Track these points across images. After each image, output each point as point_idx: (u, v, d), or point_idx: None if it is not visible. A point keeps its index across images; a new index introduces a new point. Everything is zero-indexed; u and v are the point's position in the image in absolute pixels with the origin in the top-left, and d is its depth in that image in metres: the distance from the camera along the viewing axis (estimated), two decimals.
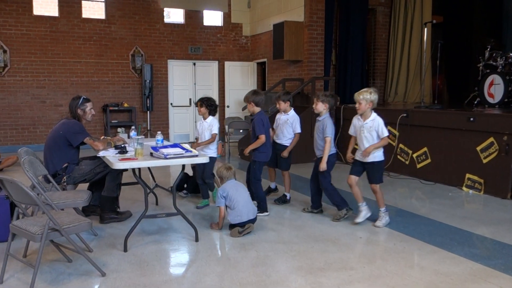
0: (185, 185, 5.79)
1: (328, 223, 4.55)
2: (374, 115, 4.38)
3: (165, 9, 11.15)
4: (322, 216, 4.81)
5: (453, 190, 5.98)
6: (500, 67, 7.35)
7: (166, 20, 11.27)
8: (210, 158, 4.72)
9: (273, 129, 5.41)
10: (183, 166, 4.14)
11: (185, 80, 11.58)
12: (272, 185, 5.68)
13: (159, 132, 4.75)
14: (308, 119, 7.43)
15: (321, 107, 4.72)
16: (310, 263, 3.52)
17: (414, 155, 6.80)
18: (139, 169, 4.93)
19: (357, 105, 4.39)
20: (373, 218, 4.54)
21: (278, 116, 5.42)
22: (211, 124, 5.23)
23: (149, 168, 5.45)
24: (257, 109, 4.89)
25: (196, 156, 4.01)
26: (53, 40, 10.09)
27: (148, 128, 10.92)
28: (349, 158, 4.62)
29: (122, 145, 4.39)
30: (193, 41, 11.41)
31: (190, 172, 5.66)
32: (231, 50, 11.86)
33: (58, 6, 10.09)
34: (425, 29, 7.94)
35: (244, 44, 11.99)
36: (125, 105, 10.68)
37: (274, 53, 9.92)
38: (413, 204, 5.43)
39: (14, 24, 9.72)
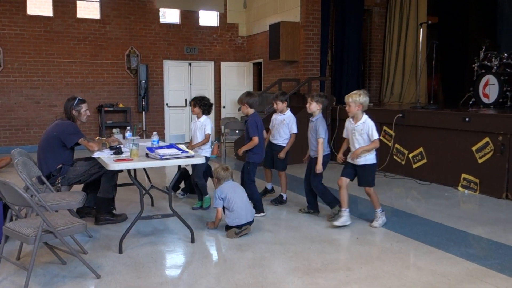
0: (183, 182, 5.75)
1: (324, 224, 4.54)
2: (365, 117, 4.36)
3: (160, 9, 11.11)
4: (318, 216, 4.79)
5: (449, 190, 5.99)
6: (495, 67, 7.38)
7: (162, 20, 11.23)
8: None
9: (268, 130, 5.40)
10: (179, 167, 4.12)
11: (181, 81, 11.55)
12: (269, 186, 5.66)
13: (154, 133, 4.72)
14: (304, 120, 7.37)
15: (314, 107, 4.72)
16: (307, 264, 3.51)
17: (410, 155, 6.80)
18: (135, 170, 4.91)
19: (347, 107, 4.39)
20: (369, 219, 4.54)
21: (274, 116, 5.40)
22: (203, 124, 5.20)
23: (144, 169, 5.42)
24: (251, 111, 4.89)
25: (192, 157, 3.99)
26: (48, 40, 10.03)
27: (144, 129, 10.88)
28: (339, 159, 4.63)
29: (117, 146, 4.36)
30: (189, 42, 11.38)
31: (190, 171, 5.62)
32: (227, 51, 11.84)
33: (53, 6, 10.03)
34: (421, 29, 7.95)
35: (240, 45, 11.97)
36: (120, 105, 10.64)
37: (270, 53, 9.91)
38: (409, 204, 5.43)
39: (8, 24, 9.65)
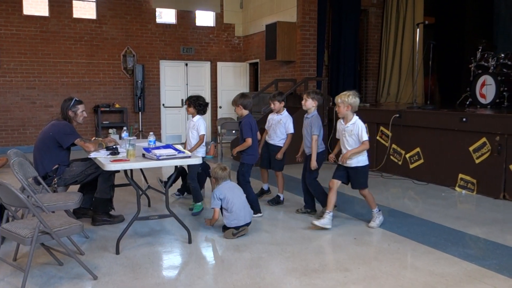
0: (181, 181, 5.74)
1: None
2: (355, 118, 4.35)
3: (157, 9, 11.08)
4: (315, 217, 4.78)
5: (446, 190, 6.00)
6: (492, 67, 7.40)
7: (158, 20, 11.20)
8: None
9: (264, 130, 5.39)
10: (176, 167, 4.10)
11: (177, 81, 11.52)
12: (265, 187, 5.65)
13: (151, 133, 4.71)
14: (300, 120, 7.31)
15: (310, 104, 4.74)
16: (304, 265, 3.50)
17: (407, 156, 6.81)
18: (131, 170, 4.89)
19: (336, 108, 4.39)
20: (367, 219, 4.54)
21: (270, 116, 5.40)
22: (196, 124, 5.18)
23: (141, 169, 5.40)
24: (245, 112, 4.88)
25: (189, 157, 3.97)
26: (44, 40, 9.98)
27: (140, 129, 10.84)
28: (330, 158, 4.64)
29: (114, 146, 4.34)
30: (185, 42, 11.35)
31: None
32: (224, 51, 11.82)
33: (49, 6, 9.98)
34: (417, 30, 7.97)
35: (237, 45, 11.95)
36: (117, 106, 10.60)
37: (266, 53, 9.90)
38: (406, 204, 5.43)
39: (4, 24, 9.60)
